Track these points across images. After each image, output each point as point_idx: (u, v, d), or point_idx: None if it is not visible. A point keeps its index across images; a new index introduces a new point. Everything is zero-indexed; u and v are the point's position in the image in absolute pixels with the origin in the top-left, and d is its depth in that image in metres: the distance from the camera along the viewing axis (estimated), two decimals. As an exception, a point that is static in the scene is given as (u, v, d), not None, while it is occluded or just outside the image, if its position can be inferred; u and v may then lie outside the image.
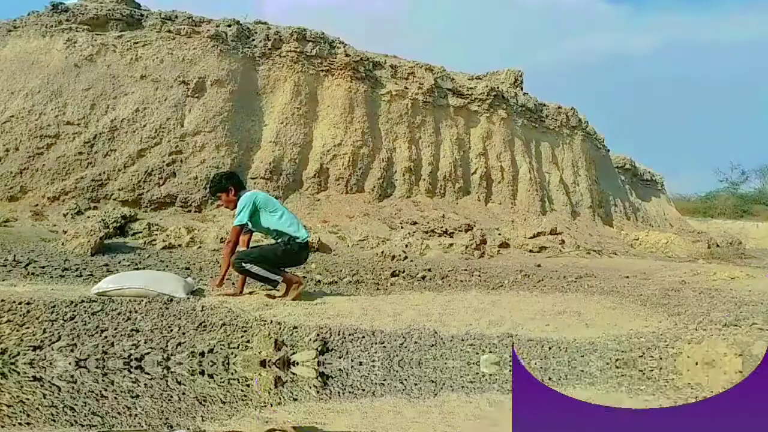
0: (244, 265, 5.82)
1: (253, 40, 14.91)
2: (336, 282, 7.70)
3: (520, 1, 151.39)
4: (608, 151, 24.34)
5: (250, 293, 5.98)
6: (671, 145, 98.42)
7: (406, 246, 10.66)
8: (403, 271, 8.73)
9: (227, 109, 13.63)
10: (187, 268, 7.69)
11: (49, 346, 3.33)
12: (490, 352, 3.82)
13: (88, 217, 10.37)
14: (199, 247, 9.61)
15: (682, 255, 15.33)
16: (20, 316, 4.07)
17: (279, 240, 6.09)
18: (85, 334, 3.69)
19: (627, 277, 9.29)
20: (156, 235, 9.78)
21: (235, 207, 6.04)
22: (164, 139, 12.68)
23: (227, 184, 6.18)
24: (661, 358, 3.80)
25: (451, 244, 11.61)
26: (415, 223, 12.90)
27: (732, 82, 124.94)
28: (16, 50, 13.25)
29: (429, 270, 9.02)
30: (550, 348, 4.03)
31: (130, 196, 11.73)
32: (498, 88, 18.50)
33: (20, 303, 4.43)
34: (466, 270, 9.34)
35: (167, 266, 7.73)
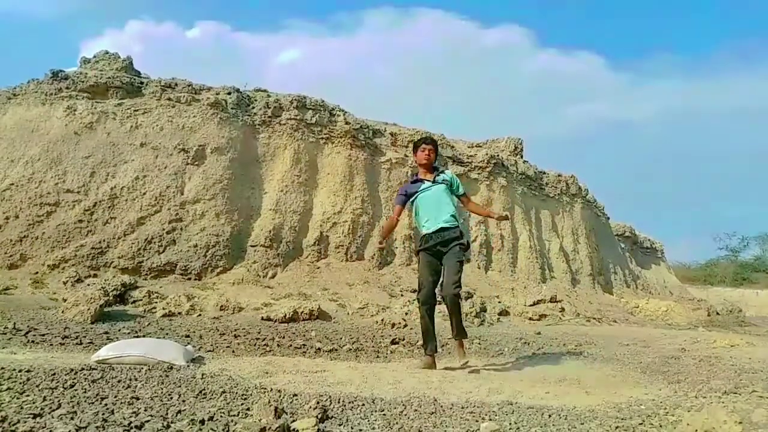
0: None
1: (253, 107, 15.16)
2: (336, 350, 7.68)
3: (520, 67, 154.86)
4: (608, 218, 24.51)
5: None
6: (671, 213, 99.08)
7: (406, 314, 10.63)
8: (403, 339, 8.71)
9: (227, 177, 13.76)
10: (187, 336, 7.67)
11: (49, 413, 3.31)
12: (490, 419, 3.80)
13: (88, 284, 10.39)
14: (199, 314, 9.60)
15: (682, 323, 15.29)
16: (20, 383, 4.07)
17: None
18: (86, 401, 3.68)
19: (627, 344, 9.26)
20: (156, 302, 9.79)
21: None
22: (164, 207, 12.75)
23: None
24: (660, 426, 3.78)
25: (450, 312, 11.58)
26: (415, 291, 12.88)
27: (731, 148, 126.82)
28: (15, 118, 13.43)
29: (429, 338, 8.97)
30: (550, 415, 4.01)
31: (130, 264, 11.74)
32: (498, 155, 18.78)
33: (20, 371, 4.44)
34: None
35: (167, 334, 7.71)
